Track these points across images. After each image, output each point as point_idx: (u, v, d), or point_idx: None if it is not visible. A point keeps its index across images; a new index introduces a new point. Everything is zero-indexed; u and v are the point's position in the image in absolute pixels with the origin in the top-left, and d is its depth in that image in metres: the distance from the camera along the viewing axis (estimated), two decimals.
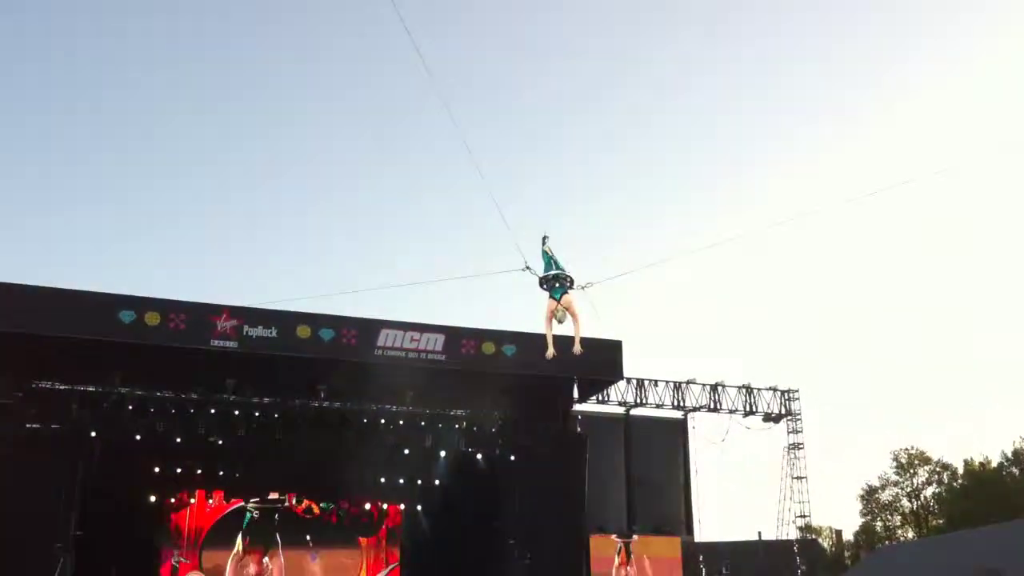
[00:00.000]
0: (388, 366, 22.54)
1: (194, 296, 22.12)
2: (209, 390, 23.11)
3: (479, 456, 26.47)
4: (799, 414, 31.14)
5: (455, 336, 23.61)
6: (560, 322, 11.82)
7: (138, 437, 23.24)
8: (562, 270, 12.46)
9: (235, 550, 27.17)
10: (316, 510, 28.46)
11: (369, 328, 22.93)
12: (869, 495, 65.82)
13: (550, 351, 12.06)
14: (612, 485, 27.90)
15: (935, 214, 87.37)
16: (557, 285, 12.30)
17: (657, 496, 28.79)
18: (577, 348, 11.79)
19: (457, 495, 27.45)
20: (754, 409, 30.27)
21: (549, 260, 12.32)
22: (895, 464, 64.26)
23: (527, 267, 11.90)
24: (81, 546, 22.35)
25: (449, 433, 25.38)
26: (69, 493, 22.00)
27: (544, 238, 12.37)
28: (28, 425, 21.63)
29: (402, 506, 28.88)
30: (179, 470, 25.78)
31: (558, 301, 11.84)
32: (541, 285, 12.21)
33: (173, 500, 27.13)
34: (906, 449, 64.69)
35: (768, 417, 30.83)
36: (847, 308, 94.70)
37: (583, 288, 12.27)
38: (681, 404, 29.30)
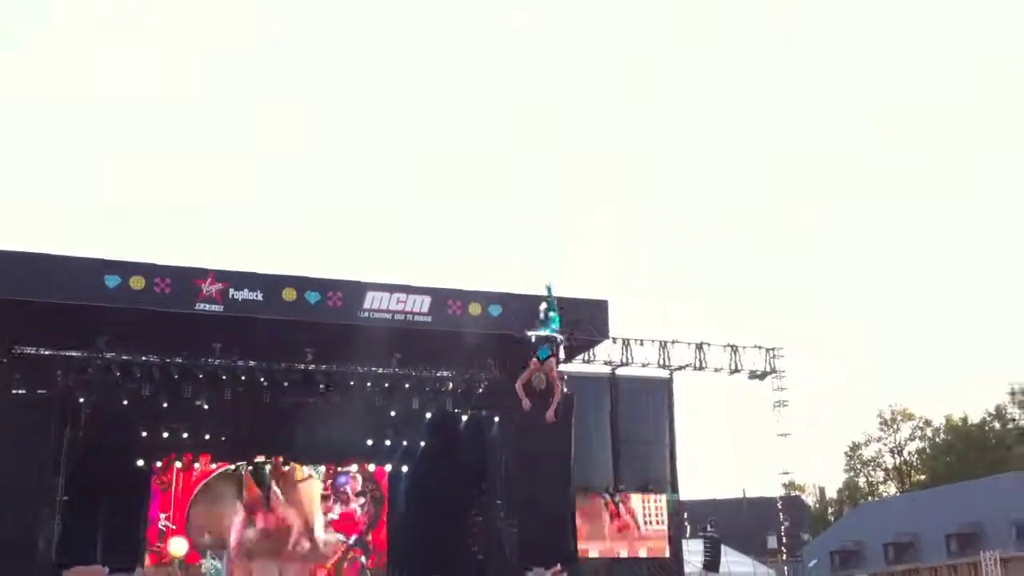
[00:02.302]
0: (374, 328, 22.51)
1: (179, 260, 21.95)
2: (195, 354, 23.04)
3: (465, 417, 26.55)
4: (784, 372, 31.30)
5: (441, 297, 23.58)
6: (537, 387, 11.85)
7: (124, 402, 23.22)
8: (558, 326, 12.57)
9: (238, 515, 27.31)
10: (304, 472, 28.58)
11: (355, 290, 22.86)
12: (852, 451, 66.57)
13: (526, 402, 12.12)
14: (598, 444, 28.04)
15: (921, 164, 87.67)
16: (546, 344, 12.41)
17: (643, 454, 28.97)
18: (550, 415, 12.01)
19: (444, 456, 27.56)
20: (739, 367, 30.41)
21: (549, 311, 12.41)
22: (879, 420, 64.97)
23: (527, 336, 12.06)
24: (68, 511, 22.40)
25: (436, 394, 25.42)
26: (55, 458, 22.01)
27: (548, 287, 12.55)
28: (13, 391, 21.58)
29: (388, 467, 28.97)
30: (166, 434, 25.77)
31: (542, 363, 11.88)
32: (530, 342, 12.27)
33: (160, 464, 27.17)
34: (890, 406, 65.42)
35: (753, 375, 30.99)
36: (833, 266, 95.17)
37: (563, 344, 12.54)
38: (667, 363, 29.39)
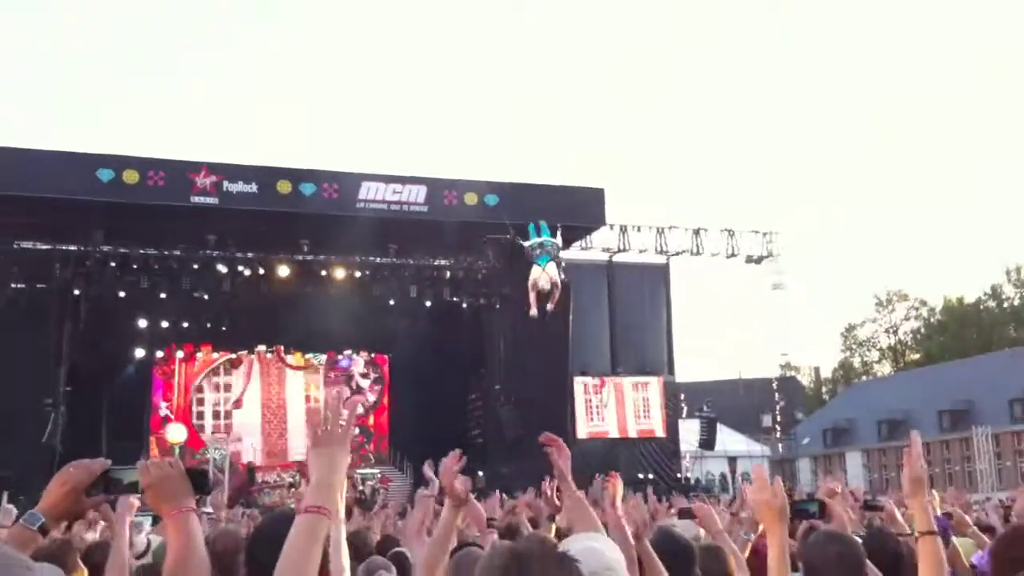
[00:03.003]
0: (371, 219, 22.54)
1: (172, 154, 21.93)
2: (192, 247, 23.11)
3: (464, 305, 26.76)
4: (780, 255, 31.33)
5: (437, 188, 23.57)
6: (542, 289, 12.42)
7: (122, 294, 23.37)
8: (549, 235, 13.09)
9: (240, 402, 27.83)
10: (304, 361, 29.01)
11: (350, 182, 22.85)
12: (848, 332, 67.18)
13: (533, 310, 12.83)
14: (595, 330, 28.29)
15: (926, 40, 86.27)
16: (541, 253, 12.80)
17: (639, 339, 29.26)
18: (544, 308, 12.80)
19: (443, 343, 27.88)
20: (736, 252, 30.41)
21: (538, 244, 13.16)
22: (875, 302, 65.39)
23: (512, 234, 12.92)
24: (71, 401, 22.80)
25: (434, 283, 25.58)
26: (56, 350, 22.31)
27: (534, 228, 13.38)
28: (13, 285, 21.72)
29: (388, 355, 29.36)
30: (165, 325, 26.02)
31: (543, 268, 12.33)
32: (527, 251, 12.81)
33: (160, 354, 27.53)
34: (886, 287, 65.77)
35: (750, 259, 31.00)
36: (829, 148, 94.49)
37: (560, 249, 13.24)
38: (664, 249, 29.42)
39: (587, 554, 2.06)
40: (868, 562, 3.15)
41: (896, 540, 3.88)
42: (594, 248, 28.47)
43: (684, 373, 31.40)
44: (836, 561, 2.99)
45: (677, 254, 29.81)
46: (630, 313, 29.16)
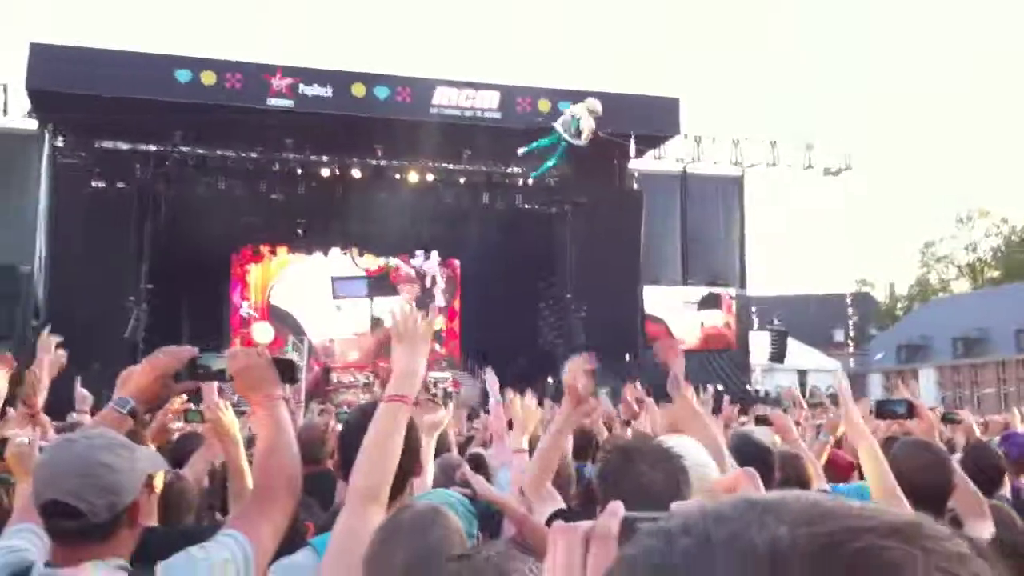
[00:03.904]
0: (444, 124, 22.49)
1: (249, 57, 21.96)
2: (268, 149, 23.31)
3: (536, 212, 26.71)
4: (859, 168, 30.63)
5: (510, 94, 23.36)
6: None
7: (200, 194, 23.72)
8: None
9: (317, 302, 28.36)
10: (377, 266, 29.32)
11: (424, 87, 22.75)
12: (926, 248, 65.88)
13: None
14: (667, 241, 28.12)
15: None
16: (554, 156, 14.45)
17: (711, 251, 29.02)
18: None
19: (514, 252, 27.93)
20: (813, 164, 29.80)
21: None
22: (955, 218, 63.89)
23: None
24: (152, 299, 23.40)
25: (505, 190, 25.54)
26: (138, 249, 22.85)
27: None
28: (94, 184, 22.14)
29: (461, 261, 29.54)
30: (242, 226, 26.39)
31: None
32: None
33: (238, 255, 28.03)
34: (966, 204, 64.13)
35: (827, 172, 30.37)
36: (911, 59, 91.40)
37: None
38: (739, 160, 28.95)
39: (686, 450, 2.08)
40: (959, 471, 3.13)
41: (996, 454, 3.85)
42: (668, 158, 28.13)
43: (756, 286, 31.13)
44: (925, 469, 2.97)
45: (752, 166, 29.32)
46: (703, 225, 28.90)
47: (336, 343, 28.48)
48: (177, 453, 4.85)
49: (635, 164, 26.61)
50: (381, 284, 29.07)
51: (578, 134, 16.48)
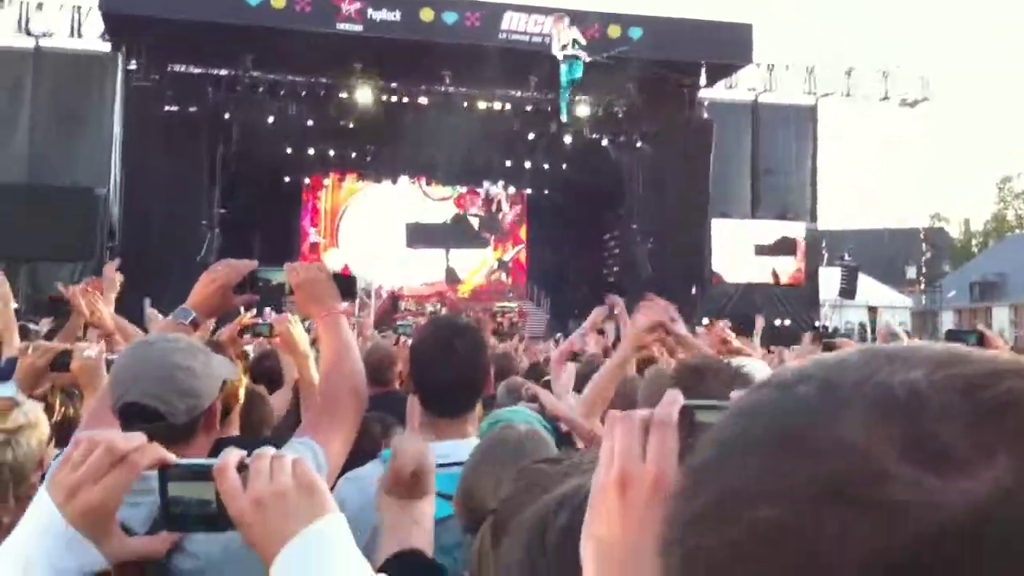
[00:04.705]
0: (512, 51, 22.26)
1: None
2: (337, 75, 23.32)
3: (604, 142, 26.45)
4: (936, 100, 29.74)
5: (580, 19, 23.02)
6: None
7: (271, 120, 23.89)
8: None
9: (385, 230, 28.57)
10: (445, 192, 29.39)
11: (493, 11, 22.49)
12: (1003, 184, 64.16)
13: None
14: (737, 172, 27.63)
15: None
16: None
17: (782, 183, 28.49)
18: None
19: (582, 180, 27.80)
20: (889, 95, 29.00)
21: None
22: None
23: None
24: (225, 223, 23.76)
25: (574, 119, 25.29)
26: (210, 173, 23.16)
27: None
28: (166, 108, 22.38)
29: (528, 191, 29.47)
30: (312, 152, 26.58)
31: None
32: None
33: (308, 181, 28.27)
34: None
35: (904, 103, 29.56)
36: None
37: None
38: (812, 90, 28.26)
39: (755, 370, 2.07)
40: None
41: None
42: (739, 87, 27.55)
43: (827, 220, 30.59)
44: (1007, 394, 2.90)
45: (826, 95, 28.60)
46: (774, 156, 28.34)
47: (405, 290, 28.64)
48: (255, 369, 4.93)
49: (705, 93, 26.15)
50: (457, 234, 29.17)
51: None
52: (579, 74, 18.62)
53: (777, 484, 0.55)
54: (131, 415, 2.02)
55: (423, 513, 1.90)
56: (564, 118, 20.95)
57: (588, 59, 17.47)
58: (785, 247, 27.53)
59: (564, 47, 17.20)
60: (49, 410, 2.91)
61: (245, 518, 1.24)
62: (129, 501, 1.48)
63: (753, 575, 0.55)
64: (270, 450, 1.31)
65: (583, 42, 17.61)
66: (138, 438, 1.39)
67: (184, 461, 1.40)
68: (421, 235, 29.11)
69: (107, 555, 1.28)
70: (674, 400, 0.85)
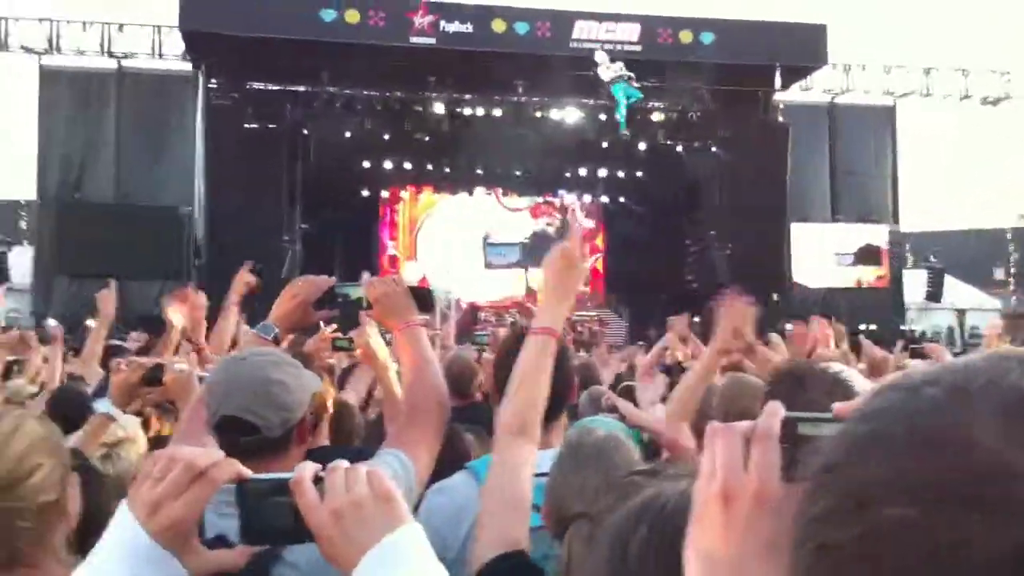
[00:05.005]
0: (584, 59, 22.26)
1: None
2: (412, 88, 23.52)
3: (679, 148, 26.27)
4: (1019, 97, 28.93)
5: (651, 26, 22.94)
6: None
7: (348, 135, 24.17)
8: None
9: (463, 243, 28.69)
10: (522, 203, 29.45)
11: (562, 20, 22.56)
12: None
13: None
14: (815, 175, 27.26)
15: None
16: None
17: (862, 185, 28.01)
18: None
19: (657, 187, 27.64)
20: (970, 93, 28.34)
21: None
22: None
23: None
24: (307, 239, 24.11)
25: (647, 126, 25.14)
26: (290, 189, 23.52)
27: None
28: (246, 125, 22.77)
29: (604, 199, 29.40)
30: (388, 166, 26.81)
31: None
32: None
33: (385, 195, 28.56)
34: None
35: (985, 101, 28.86)
36: None
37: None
38: (890, 90, 27.74)
39: (853, 378, 2.04)
40: None
41: None
42: (815, 89, 27.17)
43: (910, 221, 29.96)
44: None
45: (905, 95, 28.06)
46: (852, 158, 27.89)
47: (484, 302, 28.68)
48: (343, 383, 5.01)
49: (780, 96, 25.85)
50: (536, 251, 29.13)
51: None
52: (638, 95, 19.00)
53: (907, 482, 0.55)
54: (227, 429, 2.07)
55: (526, 460, 1.96)
56: (623, 130, 21.17)
57: (637, 86, 18.07)
58: (869, 256, 27.06)
59: (611, 76, 17.76)
60: (145, 424, 2.98)
61: (323, 530, 1.26)
62: (227, 513, 1.51)
63: (881, 572, 0.55)
64: (344, 462, 1.33)
65: (629, 74, 18.19)
66: (216, 453, 1.41)
67: (262, 476, 1.41)
68: (499, 257, 29.22)
69: (189, 569, 1.30)
70: (775, 412, 0.85)
